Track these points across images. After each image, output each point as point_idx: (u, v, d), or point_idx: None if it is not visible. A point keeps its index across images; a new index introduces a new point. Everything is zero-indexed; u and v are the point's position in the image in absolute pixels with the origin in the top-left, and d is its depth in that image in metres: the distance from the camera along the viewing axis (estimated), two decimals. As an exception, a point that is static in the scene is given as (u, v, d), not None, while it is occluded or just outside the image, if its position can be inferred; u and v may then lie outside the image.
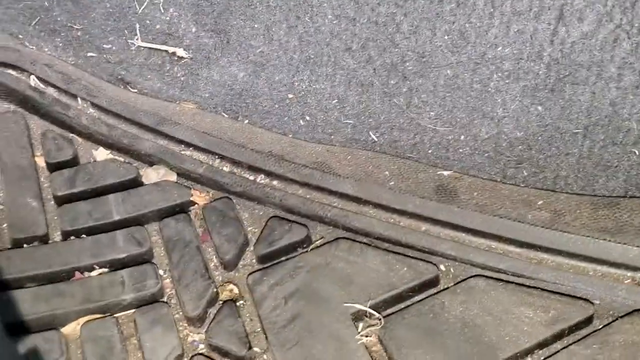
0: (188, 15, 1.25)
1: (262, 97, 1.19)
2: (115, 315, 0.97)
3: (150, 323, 0.95)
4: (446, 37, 1.06)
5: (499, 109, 1.04)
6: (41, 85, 1.22)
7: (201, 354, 0.94)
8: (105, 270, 1.02)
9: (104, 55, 1.29)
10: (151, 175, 1.15)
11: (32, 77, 1.23)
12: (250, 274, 1.02)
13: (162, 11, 1.27)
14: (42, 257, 1.02)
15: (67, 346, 0.92)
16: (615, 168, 1.00)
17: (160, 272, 1.03)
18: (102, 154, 1.18)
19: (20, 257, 1.02)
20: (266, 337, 0.95)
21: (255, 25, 1.18)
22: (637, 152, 0.99)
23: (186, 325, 0.97)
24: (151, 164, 1.16)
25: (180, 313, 0.98)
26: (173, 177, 1.15)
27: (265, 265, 1.04)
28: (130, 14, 1.29)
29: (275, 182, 1.11)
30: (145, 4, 1.28)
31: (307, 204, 1.08)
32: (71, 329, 0.94)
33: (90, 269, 1.02)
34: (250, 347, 0.93)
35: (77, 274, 1.01)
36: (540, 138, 1.03)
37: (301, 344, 0.92)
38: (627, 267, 0.94)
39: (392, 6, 1.09)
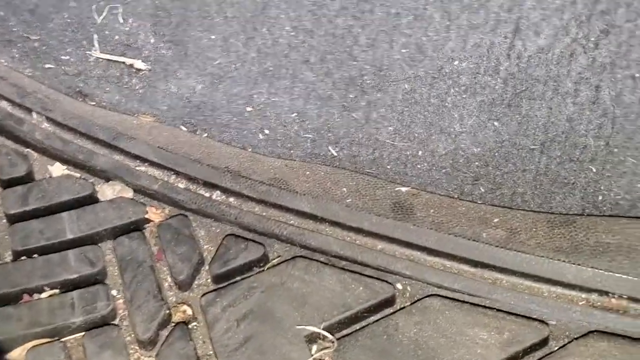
0: (147, 25, 1.23)
1: (221, 110, 1.17)
2: (63, 339, 0.95)
3: (99, 347, 0.94)
4: (404, 51, 1.05)
5: (456, 124, 1.03)
6: (-6, 98, 1.20)
7: (151, 378, 0.92)
8: (56, 291, 1.00)
9: (62, 67, 1.26)
10: (107, 191, 1.13)
11: (-13, 90, 1.20)
12: (204, 294, 1.01)
13: (122, 21, 1.25)
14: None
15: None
16: (572, 185, 0.99)
17: (114, 292, 1.01)
18: (58, 169, 1.16)
19: (-33, 279, 1.00)
20: (218, 360, 0.93)
21: (213, 37, 1.16)
22: (593, 169, 0.98)
23: (137, 348, 0.96)
24: (107, 180, 1.14)
25: (132, 335, 0.97)
26: (129, 193, 1.13)
27: (220, 286, 1.02)
28: (88, 24, 1.26)
29: (231, 199, 1.09)
30: (105, 14, 1.26)
31: (264, 222, 1.06)
32: (17, 354, 0.92)
33: (40, 290, 1.00)
34: (201, 371, 0.92)
35: (26, 297, 0.99)
36: (497, 154, 1.02)
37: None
38: (582, 289, 0.93)
39: (350, 19, 1.07)
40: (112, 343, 0.94)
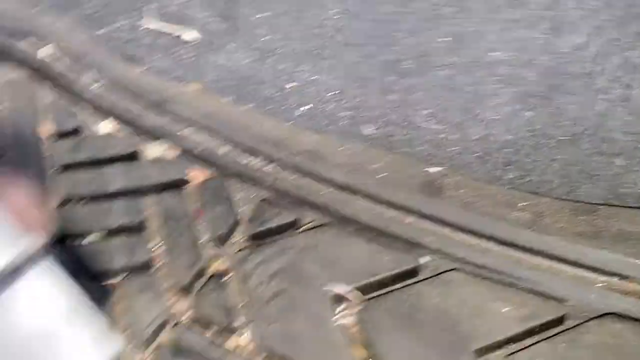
0: (200, 2, 1.30)
1: (265, 84, 1.23)
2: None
3: (139, 290, 0.99)
4: (445, 39, 1.10)
5: (490, 111, 1.08)
6: (52, 58, 1.26)
7: (184, 323, 0.97)
8: (99, 234, 1.06)
9: (115, 34, 1.33)
10: (152, 150, 1.19)
11: (44, 49, 1.27)
12: (239, 251, 1.06)
13: (181, -5, 1.32)
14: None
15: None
16: (598, 177, 1.04)
17: (153, 242, 1.07)
18: (106, 126, 1.22)
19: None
20: (248, 312, 0.98)
21: (263, 15, 1.22)
22: (620, 163, 1.03)
23: (173, 294, 1.01)
24: (152, 140, 1.20)
25: (169, 283, 1.02)
26: (172, 154, 1.18)
27: (254, 245, 1.07)
28: (143, -5, 1.34)
29: (269, 167, 1.15)
30: (160, -14, 1.33)
31: (298, 190, 1.12)
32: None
33: (86, 235, 1.06)
34: (232, 320, 0.97)
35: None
36: (528, 143, 1.07)
37: (282, 321, 0.96)
38: (601, 271, 0.97)
39: (395, 6, 1.13)
40: (151, 288, 1.00)
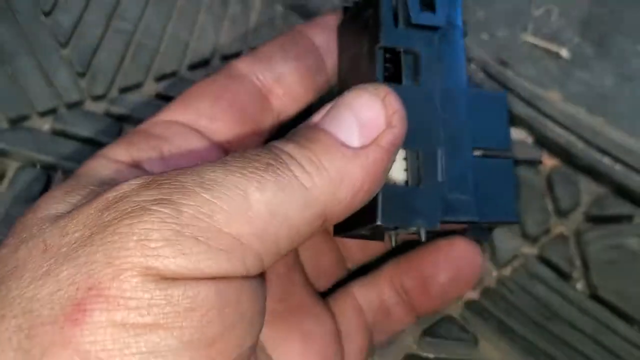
0: (576, 27, 1.56)
1: (621, 103, 1.45)
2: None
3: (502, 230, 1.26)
4: None
5: None
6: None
7: (533, 260, 1.22)
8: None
9: (494, 41, 1.64)
10: (513, 133, 1.47)
11: (443, 39, 1.62)
12: (581, 224, 1.28)
13: (553, 20, 1.59)
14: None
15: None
16: None
17: (508, 200, 1.33)
18: (477, 107, 1.52)
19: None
20: (585, 270, 1.20)
21: (637, 47, 1.44)
22: None
23: (523, 240, 1.26)
24: (513, 125, 1.48)
25: (520, 230, 1.27)
26: (530, 139, 1.45)
27: (591, 224, 1.29)
28: (525, 14, 1.63)
29: (615, 166, 1.36)
30: (542, 10, 1.61)
31: (638, 190, 1.31)
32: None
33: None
34: (571, 271, 1.20)
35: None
36: None
37: (616, 280, 1.16)
38: None
39: None
40: (509, 228, 1.26)
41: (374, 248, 0.71)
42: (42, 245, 0.38)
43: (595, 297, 1.15)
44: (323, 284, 0.65)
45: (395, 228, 0.51)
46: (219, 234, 0.40)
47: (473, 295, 1.14)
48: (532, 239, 1.28)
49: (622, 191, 1.38)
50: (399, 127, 0.47)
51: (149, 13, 1.43)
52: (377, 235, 0.54)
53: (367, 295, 0.65)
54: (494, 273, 1.19)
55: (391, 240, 0.57)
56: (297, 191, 0.42)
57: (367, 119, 0.46)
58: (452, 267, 0.67)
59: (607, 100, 1.51)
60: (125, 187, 0.40)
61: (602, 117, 1.53)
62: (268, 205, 0.41)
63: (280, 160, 0.42)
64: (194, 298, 0.38)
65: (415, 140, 0.52)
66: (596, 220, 1.32)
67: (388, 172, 0.48)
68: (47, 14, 1.37)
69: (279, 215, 0.41)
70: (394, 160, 0.49)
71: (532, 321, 1.07)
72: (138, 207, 0.38)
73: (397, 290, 0.68)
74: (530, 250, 1.26)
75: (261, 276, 0.45)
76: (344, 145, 0.45)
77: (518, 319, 1.07)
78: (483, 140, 0.58)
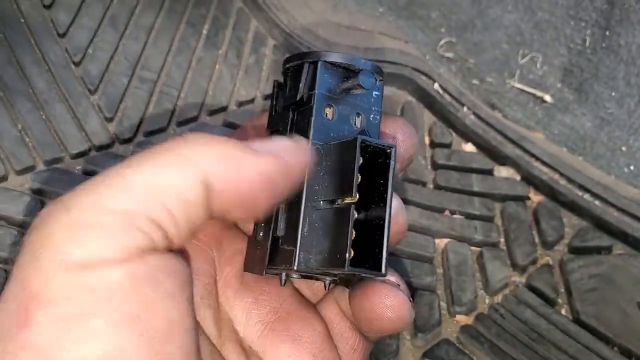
0: (558, 75, 1.71)
1: (599, 144, 1.59)
2: (469, 245, 1.41)
3: (492, 258, 1.38)
4: None
5: None
6: (440, 91, 1.75)
7: (521, 287, 1.34)
8: (463, 217, 1.48)
9: (484, 86, 1.79)
10: (502, 171, 1.60)
11: (436, 84, 1.76)
12: (564, 254, 1.41)
13: (538, 67, 1.74)
14: (419, 195, 1.51)
15: (439, 251, 1.39)
16: None
17: (499, 231, 1.46)
18: (469, 147, 1.66)
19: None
20: (568, 296, 1.32)
21: (613, 94, 1.59)
22: None
23: (512, 269, 1.39)
24: (502, 164, 1.62)
25: (510, 261, 1.40)
26: (517, 177, 1.58)
27: (574, 254, 1.42)
28: (512, 62, 1.78)
29: (596, 202, 1.50)
30: (527, 58, 1.76)
31: (618, 224, 1.45)
32: (443, 243, 1.40)
33: (454, 212, 1.48)
34: (555, 297, 1.32)
35: (447, 212, 1.48)
36: None
37: (595, 307, 1.29)
38: None
39: None
40: (499, 258, 1.38)
41: None
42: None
43: (578, 321, 1.27)
44: (315, 292, 0.69)
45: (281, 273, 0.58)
46: (107, 215, 0.43)
47: (468, 320, 1.26)
48: (521, 269, 1.40)
49: (601, 225, 1.51)
50: (298, 160, 0.53)
51: (171, 63, 1.57)
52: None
53: (343, 301, 0.65)
54: (487, 300, 1.31)
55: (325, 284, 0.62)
56: (175, 159, 0.46)
57: (282, 146, 0.52)
58: (377, 316, 0.60)
59: (587, 141, 1.65)
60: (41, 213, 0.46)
61: (582, 157, 1.66)
62: (146, 178, 0.45)
63: (169, 142, 0.48)
64: (109, 283, 0.42)
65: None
66: (578, 251, 1.45)
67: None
68: (77, 64, 1.51)
69: (158, 185, 0.45)
70: (284, 191, 0.52)
71: (522, 343, 1.19)
72: (40, 219, 0.45)
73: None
74: (519, 278, 1.38)
75: (179, 253, 0.48)
76: (248, 146, 0.49)
77: (509, 341, 1.19)
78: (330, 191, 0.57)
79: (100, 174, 0.46)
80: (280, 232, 0.56)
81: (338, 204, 0.54)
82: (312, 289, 0.68)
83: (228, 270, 0.63)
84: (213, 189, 0.46)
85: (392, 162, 0.54)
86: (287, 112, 0.61)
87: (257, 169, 0.48)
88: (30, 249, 0.43)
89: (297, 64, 0.61)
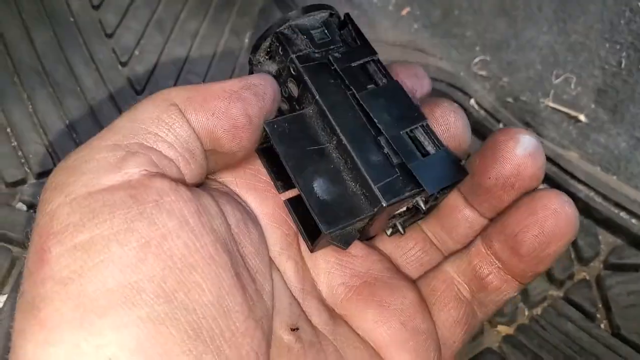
0: (592, 96, 1.73)
1: (634, 163, 1.60)
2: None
3: (529, 270, 1.39)
4: None
5: None
6: (476, 107, 1.77)
7: (560, 300, 1.35)
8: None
9: (518, 105, 1.81)
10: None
11: (472, 99, 1.78)
12: (601, 271, 1.42)
13: (572, 87, 1.77)
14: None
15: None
16: None
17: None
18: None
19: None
20: (609, 310, 1.33)
21: (648, 115, 1.61)
22: None
23: (549, 283, 1.39)
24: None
25: (547, 274, 1.41)
26: (552, 194, 1.59)
27: (611, 271, 1.43)
28: (546, 82, 1.80)
29: (633, 220, 1.51)
30: (561, 79, 1.79)
31: (655, 244, 1.46)
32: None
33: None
34: (595, 311, 1.32)
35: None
36: None
37: (637, 322, 1.29)
38: None
39: None
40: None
41: None
42: None
43: (618, 335, 1.27)
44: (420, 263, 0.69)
45: (343, 229, 0.56)
46: (100, 151, 0.51)
47: (509, 330, 1.26)
48: (559, 283, 1.41)
49: (637, 243, 1.52)
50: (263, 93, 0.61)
51: (214, 68, 1.59)
52: (348, 240, 0.58)
53: (458, 267, 0.64)
54: (526, 312, 1.32)
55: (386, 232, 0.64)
56: (148, 99, 0.56)
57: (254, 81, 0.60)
58: (538, 220, 0.60)
59: (621, 161, 1.66)
60: None
61: (616, 176, 1.68)
62: (128, 117, 0.57)
63: None
64: (112, 206, 0.47)
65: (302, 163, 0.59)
66: (615, 267, 1.45)
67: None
68: (124, 64, 1.53)
69: (137, 118, 0.55)
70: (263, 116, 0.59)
71: (564, 355, 1.19)
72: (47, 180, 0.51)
73: (488, 259, 0.63)
74: (557, 292, 1.38)
75: (198, 188, 0.56)
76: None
77: (552, 353, 1.19)
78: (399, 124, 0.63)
79: None
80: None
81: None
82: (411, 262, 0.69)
83: None
84: (185, 109, 0.53)
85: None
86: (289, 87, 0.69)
87: (221, 85, 0.56)
88: (41, 206, 0.48)
89: (266, 46, 0.74)
